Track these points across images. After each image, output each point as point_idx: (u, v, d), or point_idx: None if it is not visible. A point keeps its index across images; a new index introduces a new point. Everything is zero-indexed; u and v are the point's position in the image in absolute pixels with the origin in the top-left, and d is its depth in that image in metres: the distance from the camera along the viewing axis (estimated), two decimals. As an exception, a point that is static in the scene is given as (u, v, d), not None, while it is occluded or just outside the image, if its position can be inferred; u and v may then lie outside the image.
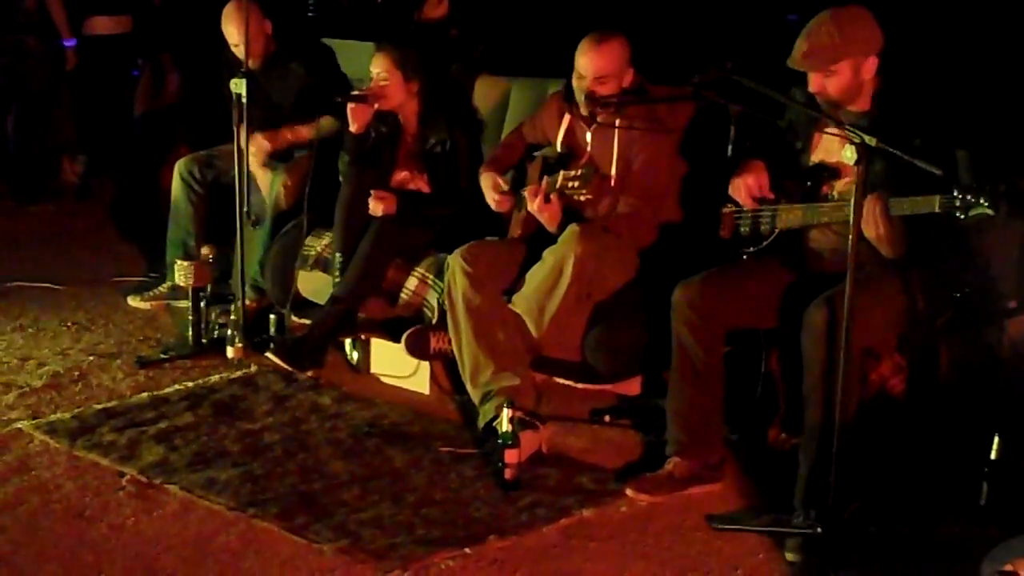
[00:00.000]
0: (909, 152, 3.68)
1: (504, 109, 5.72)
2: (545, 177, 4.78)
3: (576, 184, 4.57)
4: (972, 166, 4.18)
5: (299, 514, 4.03)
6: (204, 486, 4.21)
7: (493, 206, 5.10)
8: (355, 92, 5.51)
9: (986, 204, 3.54)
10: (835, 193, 4.13)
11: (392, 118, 5.51)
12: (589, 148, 4.85)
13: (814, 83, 4.07)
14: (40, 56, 8.00)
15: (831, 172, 4.15)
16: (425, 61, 5.50)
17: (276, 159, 5.89)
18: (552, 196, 4.68)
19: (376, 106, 5.44)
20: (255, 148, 5.76)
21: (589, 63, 4.72)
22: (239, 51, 5.68)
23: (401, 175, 5.48)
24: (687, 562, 3.82)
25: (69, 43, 8.01)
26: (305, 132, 5.85)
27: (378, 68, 5.41)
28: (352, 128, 5.43)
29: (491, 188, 5.09)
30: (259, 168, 5.83)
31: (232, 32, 5.83)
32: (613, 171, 4.73)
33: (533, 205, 4.71)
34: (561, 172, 4.66)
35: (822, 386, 3.88)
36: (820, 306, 3.91)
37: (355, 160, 5.47)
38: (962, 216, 3.59)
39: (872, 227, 3.81)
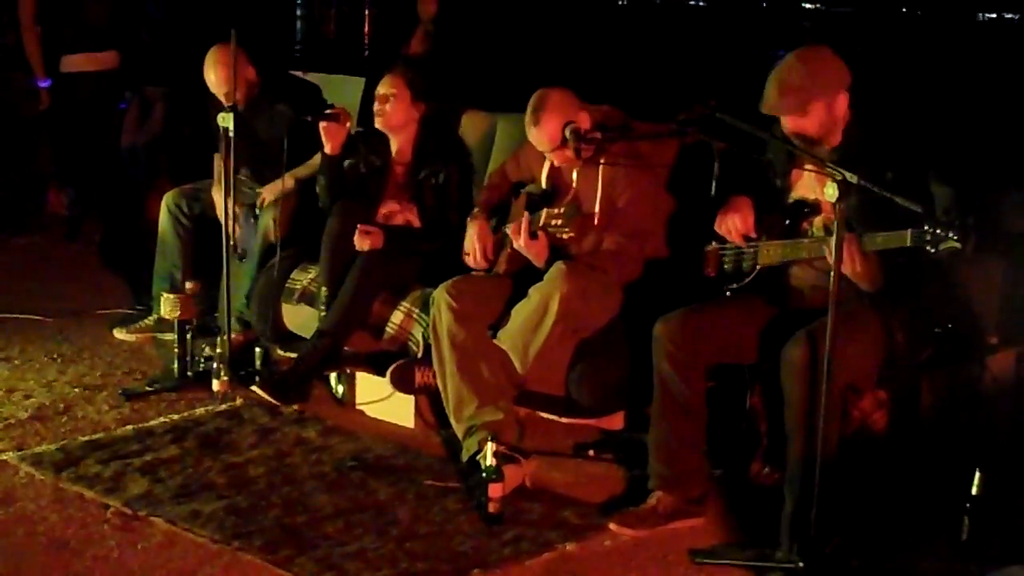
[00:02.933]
0: (888, 188, 3.71)
1: (490, 144, 5.75)
2: (527, 214, 4.80)
3: (558, 222, 4.58)
4: (956, 202, 4.21)
5: (283, 547, 4.03)
6: (189, 518, 4.21)
7: (469, 261, 5.05)
8: (327, 111, 5.49)
9: (955, 238, 3.57)
10: (814, 230, 4.16)
11: (384, 148, 5.53)
12: (574, 185, 4.86)
13: (790, 123, 4.09)
14: (26, 91, 8.00)
15: (810, 208, 4.18)
16: (434, 91, 5.50)
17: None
18: (539, 232, 4.70)
19: (348, 125, 5.44)
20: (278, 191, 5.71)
21: (534, 141, 4.81)
22: (221, 97, 5.67)
23: (389, 207, 5.48)
24: (670, 596, 3.84)
25: (43, 84, 7.96)
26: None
27: (387, 84, 5.42)
28: (327, 149, 5.44)
29: (477, 240, 5.02)
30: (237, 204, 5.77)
31: (212, 81, 5.83)
32: (597, 208, 4.74)
33: (518, 242, 4.73)
34: (544, 210, 4.67)
35: (802, 422, 3.89)
36: (798, 342, 3.93)
37: (331, 184, 5.46)
38: (932, 250, 3.61)
39: (848, 264, 3.83)
